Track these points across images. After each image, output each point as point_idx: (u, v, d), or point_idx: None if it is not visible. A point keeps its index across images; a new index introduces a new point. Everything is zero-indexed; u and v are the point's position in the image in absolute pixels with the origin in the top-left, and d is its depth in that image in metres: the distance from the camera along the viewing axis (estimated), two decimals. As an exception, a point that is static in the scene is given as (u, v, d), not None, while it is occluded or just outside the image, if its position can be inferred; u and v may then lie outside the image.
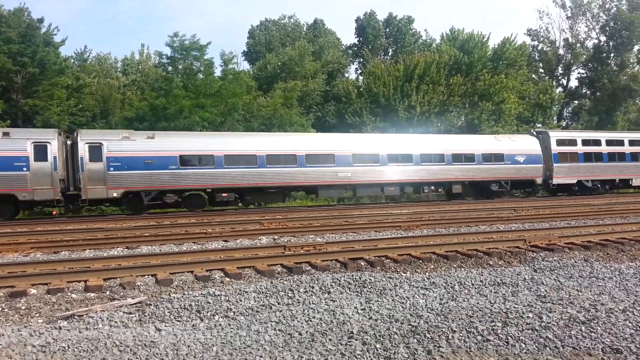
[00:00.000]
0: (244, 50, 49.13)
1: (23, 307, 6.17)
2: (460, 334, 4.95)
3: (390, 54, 50.82)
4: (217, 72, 34.12)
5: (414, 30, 51.27)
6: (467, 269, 7.98)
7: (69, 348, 4.81)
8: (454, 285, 6.78)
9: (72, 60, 37.55)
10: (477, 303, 5.94)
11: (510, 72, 40.85)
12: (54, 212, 19.32)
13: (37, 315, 5.98)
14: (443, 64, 37.64)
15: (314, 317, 5.55)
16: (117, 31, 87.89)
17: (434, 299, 6.17)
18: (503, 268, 8.02)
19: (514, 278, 7.12)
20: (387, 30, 50.82)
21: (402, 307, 5.84)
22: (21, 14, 30.91)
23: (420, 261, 8.42)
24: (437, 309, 5.72)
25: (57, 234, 12.37)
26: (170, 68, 32.69)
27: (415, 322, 5.29)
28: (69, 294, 6.64)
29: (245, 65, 46.12)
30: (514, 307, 5.75)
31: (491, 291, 6.50)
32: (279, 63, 41.68)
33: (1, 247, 10.07)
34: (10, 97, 29.69)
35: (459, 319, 5.37)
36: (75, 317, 5.68)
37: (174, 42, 31.27)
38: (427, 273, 7.72)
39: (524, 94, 40.78)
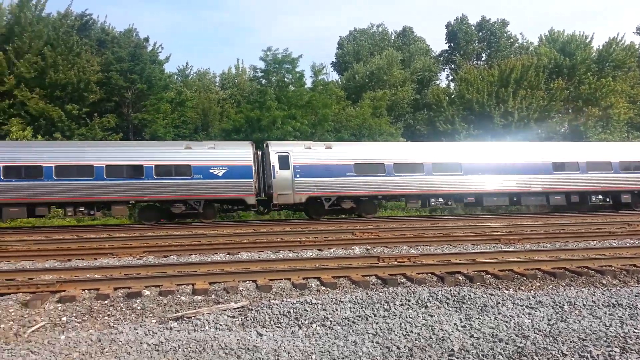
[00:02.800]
0: (333, 61, 49.92)
1: (138, 307, 6.68)
2: (572, 358, 4.63)
3: (483, 58, 49.10)
4: (308, 82, 35.02)
5: (508, 33, 49.17)
6: (577, 288, 7.44)
7: (179, 348, 5.12)
8: (563, 304, 6.35)
9: (175, 76, 40.32)
10: (590, 325, 5.52)
11: (618, 74, 37.71)
12: (161, 219, 20.76)
13: (151, 315, 6.45)
14: (542, 68, 35.65)
15: (412, 332, 5.45)
16: (213, 44, 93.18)
17: (541, 318, 5.81)
18: (618, 288, 7.39)
19: (631, 299, 6.53)
20: (480, 34, 49.15)
21: (506, 326, 5.57)
22: (130, 34, 33.83)
23: (524, 278, 7.99)
24: (545, 330, 5.39)
25: (166, 239, 13.28)
26: (264, 81, 34.02)
27: (521, 342, 5.02)
28: (179, 296, 7.09)
29: (334, 76, 46.86)
30: (634, 331, 5.27)
31: (605, 313, 6.01)
32: (367, 72, 41.81)
33: (117, 251, 11.00)
34: (122, 112, 32.51)
35: (570, 342, 5.02)
36: (185, 318, 6.06)
37: (268, 56, 32.54)
38: (532, 291, 7.31)
39: (635, 98, 37.43)
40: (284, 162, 20.53)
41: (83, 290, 7.27)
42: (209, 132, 32.94)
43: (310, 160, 20.84)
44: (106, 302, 6.83)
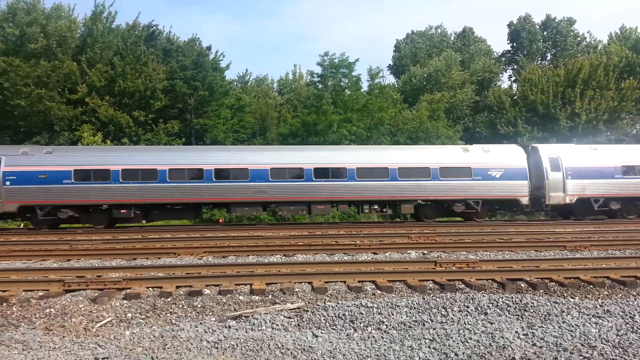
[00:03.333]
0: (390, 64, 49.59)
1: (199, 306, 6.90)
2: (646, 372, 4.36)
3: (548, 58, 47.17)
4: (364, 86, 34.94)
5: (575, 31, 46.94)
6: (649, 298, 6.99)
7: (237, 346, 5.26)
8: (634, 315, 5.98)
9: (235, 83, 41.36)
10: (665, 338, 5.17)
11: (698, 72, 35.11)
12: (220, 220, 21.38)
13: (211, 313, 6.64)
14: (612, 67, 33.76)
15: (471, 339, 5.33)
16: (271, 51, 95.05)
17: (609, 329, 5.52)
18: (697, 299, 6.86)
19: None
20: (545, 33, 47.24)
21: (571, 335, 5.32)
22: (193, 43, 35.08)
23: (591, 286, 7.59)
24: (614, 341, 5.11)
25: (224, 240, 13.65)
26: (320, 86, 34.27)
27: (587, 353, 4.79)
28: (237, 295, 7.26)
29: (390, 79, 46.52)
30: None
31: (683, 325, 5.61)
32: (425, 75, 41.21)
33: (179, 250, 11.41)
34: (185, 118, 33.73)
35: (643, 355, 4.73)
36: (243, 317, 6.20)
37: (324, 60, 32.76)
38: (599, 299, 6.95)
39: None
40: (555, 164, 21.29)
41: (147, 287, 7.59)
42: (266, 137, 33.57)
43: (578, 162, 21.47)
44: (169, 299, 7.10)
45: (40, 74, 28.41)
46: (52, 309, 6.66)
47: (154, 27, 36.30)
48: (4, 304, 6.91)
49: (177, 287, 7.59)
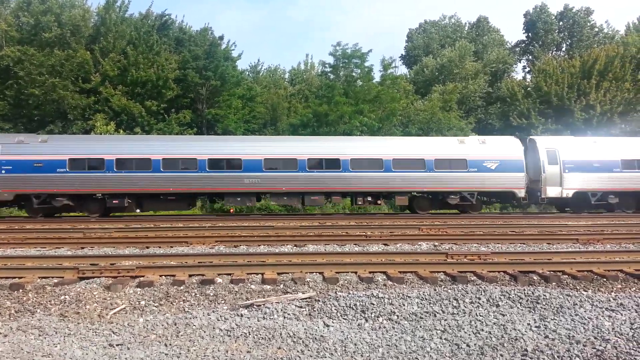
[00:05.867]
0: (402, 54, 49.27)
1: (211, 294, 6.96)
2: (660, 367, 4.33)
3: (563, 49, 46.54)
4: (377, 77, 34.76)
5: (592, 22, 46.20)
6: (664, 292, 6.92)
7: (249, 334, 5.31)
8: (649, 309, 5.93)
9: (247, 73, 41.33)
10: (681, 332, 5.12)
11: None
12: (231, 210, 21.48)
13: (223, 302, 6.70)
14: (629, 58, 33.18)
15: (482, 330, 5.33)
16: (284, 41, 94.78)
17: (622, 322, 5.47)
18: None
19: None
20: (561, 23, 46.57)
21: (584, 328, 5.30)
22: (206, 33, 35.06)
23: (605, 279, 7.53)
24: (628, 334, 5.08)
25: (236, 230, 13.72)
26: (332, 76, 34.13)
27: (601, 346, 4.76)
28: (249, 284, 7.30)
29: (403, 70, 46.23)
30: None
31: (699, 320, 5.54)
32: (437, 65, 40.88)
33: (192, 239, 11.49)
34: (197, 108, 33.80)
35: (657, 349, 4.69)
36: (254, 306, 6.25)
37: (337, 51, 32.61)
38: (613, 293, 6.89)
39: None
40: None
41: (160, 276, 7.66)
42: (277, 127, 33.58)
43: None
44: (181, 287, 7.16)
45: (54, 63, 28.63)
46: (66, 296, 6.75)
47: (167, 17, 36.32)
48: (20, 291, 7.02)
49: (190, 275, 7.65)
